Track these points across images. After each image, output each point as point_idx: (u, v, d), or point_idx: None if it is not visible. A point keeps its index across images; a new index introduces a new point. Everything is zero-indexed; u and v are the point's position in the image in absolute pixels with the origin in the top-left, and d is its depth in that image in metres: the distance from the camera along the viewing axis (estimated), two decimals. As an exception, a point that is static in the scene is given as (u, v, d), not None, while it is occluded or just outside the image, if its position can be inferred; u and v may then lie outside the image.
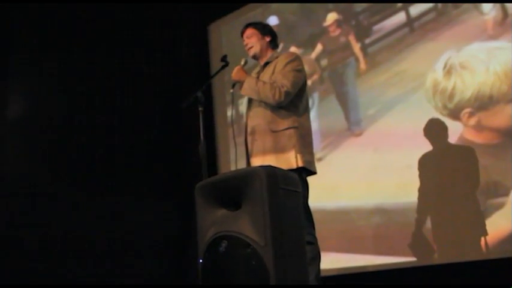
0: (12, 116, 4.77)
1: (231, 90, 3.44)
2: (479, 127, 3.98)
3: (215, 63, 5.79)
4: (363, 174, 4.54)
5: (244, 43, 3.47)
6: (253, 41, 3.43)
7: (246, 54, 3.50)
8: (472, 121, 4.00)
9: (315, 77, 5.04)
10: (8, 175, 4.61)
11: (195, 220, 2.54)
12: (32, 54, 4.93)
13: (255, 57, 3.47)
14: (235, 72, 3.34)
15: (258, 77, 3.33)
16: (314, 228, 3.18)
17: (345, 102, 4.83)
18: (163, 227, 5.41)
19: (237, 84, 3.38)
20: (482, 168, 3.91)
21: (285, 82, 3.16)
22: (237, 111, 5.03)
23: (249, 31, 3.46)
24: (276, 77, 3.21)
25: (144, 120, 5.54)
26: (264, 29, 3.47)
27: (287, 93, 3.15)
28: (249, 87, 3.24)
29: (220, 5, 5.89)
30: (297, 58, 3.31)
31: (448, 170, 4.14)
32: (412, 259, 4.20)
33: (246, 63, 3.43)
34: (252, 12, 5.54)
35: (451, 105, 4.13)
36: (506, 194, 3.79)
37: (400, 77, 4.47)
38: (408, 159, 4.27)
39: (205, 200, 2.50)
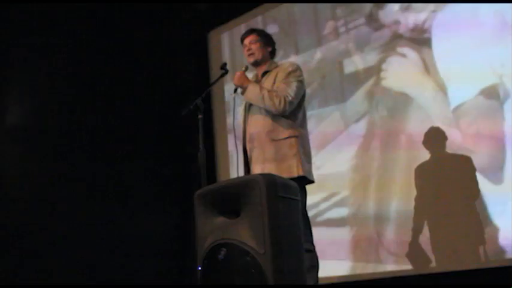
0: (12, 120, 4.78)
1: (233, 95, 3.44)
2: (478, 135, 3.97)
3: (215, 71, 5.81)
4: (361, 182, 4.53)
5: (246, 48, 3.46)
6: (256, 48, 3.43)
7: (246, 62, 3.51)
8: (471, 129, 4.00)
9: (314, 84, 5.04)
10: (9, 180, 4.62)
11: (194, 227, 2.54)
12: (31, 58, 4.94)
13: (254, 63, 3.47)
14: (237, 78, 3.34)
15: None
16: (312, 236, 3.18)
17: (343, 109, 4.83)
18: (163, 234, 5.41)
19: (238, 89, 3.39)
20: (480, 177, 3.91)
21: (289, 91, 3.18)
22: (238, 117, 5.03)
23: (253, 37, 3.46)
24: (279, 86, 3.23)
25: (143, 126, 5.54)
26: (267, 39, 3.49)
27: (291, 102, 3.17)
28: (252, 93, 3.25)
29: (220, 13, 5.91)
30: (298, 68, 3.33)
31: (446, 178, 4.14)
32: (410, 267, 4.19)
33: (247, 69, 3.43)
34: (252, 20, 5.55)
35: (450, 113, 4.13)
36: (505, 203, 3.79)
37: (399, 83, 4.48)
38: (407, 166, 4.26)
39: (205, 207, 2.51)
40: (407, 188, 4.22)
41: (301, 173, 3.12)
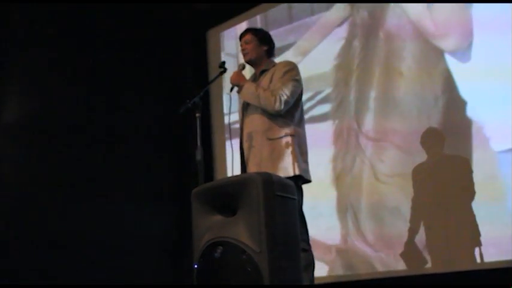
0: (10, 117, 4.77)
1: (229, 94, 3.45)
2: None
3: (213, 69, 5.81)
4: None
5: (242, 47, 3.48)
6: (250, 48, 3.44)
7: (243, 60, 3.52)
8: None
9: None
10: (7, 177, 4.61)
11: (191, 225, 2.55)
12: (30, 56, 4.92)
13: (249, 63, 3.48)
14: (234, 76, 3.35)
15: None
16: (308, 235, 3.19)
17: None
18: (161, 232, 5.41)
19: (234, 88, 3.40)
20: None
21: (285, 91, 3.19)
22: (234, 115, 5.04)
23: (248, 37, 3.47)
24: (275, 85, 3.23)
25: (142, 124, 5.54)
26: (263, 38, 3.49)
27: (286, 101, 3.18)
28: (248, 92, 3.26)
29: (220, 11, 5.91)
30: (295, 67, 3.34)
31: (443, 179, 4.15)
32: (406, 268, 4.20)
33: (244, 67, 3.44)
34: (252, 19, 5.56)
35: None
36: (502, 204, 3.79)
37: (395, 84, 4.48)
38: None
39: (202, 205, 2.51)
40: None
41: (297, 172, 3.12)
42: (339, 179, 4.67)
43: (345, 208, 4.58)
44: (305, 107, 4.56)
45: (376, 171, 4.44)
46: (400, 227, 4.22)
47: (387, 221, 4.32)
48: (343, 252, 4.55)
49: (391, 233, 4.28)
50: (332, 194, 4.64)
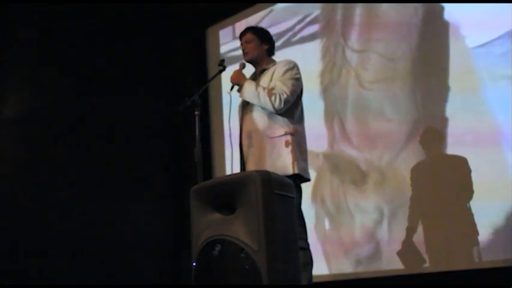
0: (9, 115, 4.76)
1: (229, 93, 3.44)
2: (473, 133, 3.99)
3: (212, 67, 5.80)
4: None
5: (242, 47, 3.48)
6: (251, 47, 3.44)
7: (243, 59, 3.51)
8: (467, 127, 4.02)
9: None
10: (6, 176, 4.61)
11: (190, 223, 2.55)
12: (30, 53, 4.93)
13: (250, 62, 3.48)
14: (234, 75, 3.35)
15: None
16: (306, 234, 3.19)
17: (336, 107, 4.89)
18: (159, 229, 5.42)
19: (234, 86, 3.39)
20: (476, 178, 3.93)
21: (284, 89, 3.19)
22: (234, 114, 5.04)
23: (249, 36, 3.47)
24: (275, 84, 3.23)
25: (141, 122, 5.54)
26: (264, 37, 3.48)
27: (286, 100, 3.17)
28: (248, 91, 3.26)
29: (219, 9, 5.91)
30: (295, 66, 3.34)
31: (441, 178, 4.16)
32: (403, 267, 4.20)
33: (244, 66, 3.43)
34: (251, 18, 5.55)
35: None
36: (500, 204, 3.80)
37: (393, 82, 4.50)
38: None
39: (200, 203, 2.51)
40: (403, 187, 4.30)
41: (296, 171, 3.12)
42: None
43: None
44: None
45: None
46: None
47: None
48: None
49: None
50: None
